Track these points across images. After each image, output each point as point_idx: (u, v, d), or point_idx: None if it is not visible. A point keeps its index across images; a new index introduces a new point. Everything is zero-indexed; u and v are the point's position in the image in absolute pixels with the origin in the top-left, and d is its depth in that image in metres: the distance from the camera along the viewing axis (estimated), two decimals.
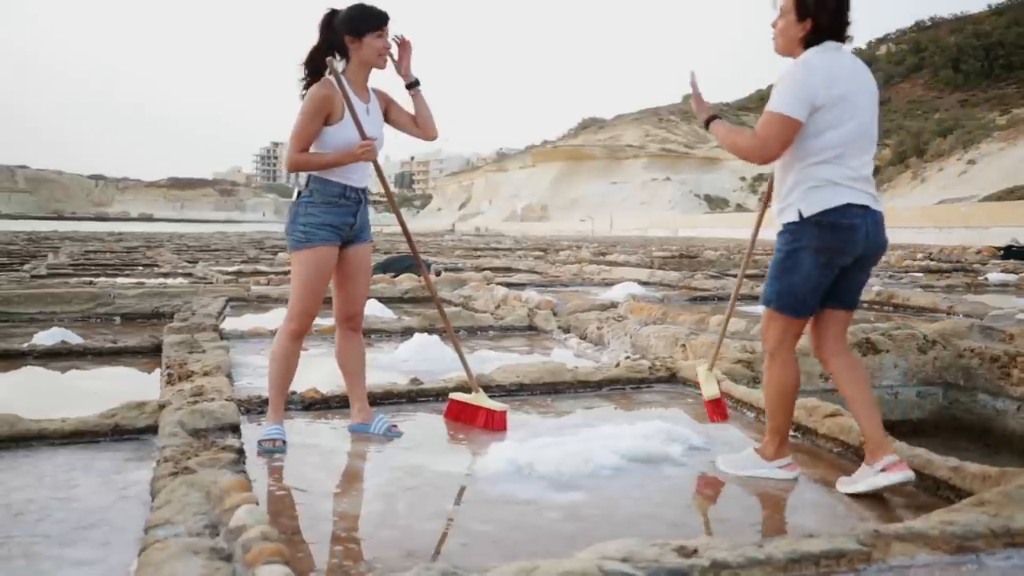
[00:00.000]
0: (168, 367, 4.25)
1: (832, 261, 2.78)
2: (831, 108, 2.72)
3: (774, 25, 2.88)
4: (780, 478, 2.93)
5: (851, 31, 2.81)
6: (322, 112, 3.16)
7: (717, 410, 3.44)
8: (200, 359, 4.38)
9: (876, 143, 2.89)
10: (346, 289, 3.42)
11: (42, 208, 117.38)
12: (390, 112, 3.42)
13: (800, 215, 2.77)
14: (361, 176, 3.29)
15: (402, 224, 3.59)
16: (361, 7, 3.21)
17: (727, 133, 2.92)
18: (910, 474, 2.73)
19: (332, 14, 3.23)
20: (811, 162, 2.76)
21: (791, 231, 2.81)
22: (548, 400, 4.16)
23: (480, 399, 3.62)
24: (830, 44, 2.78)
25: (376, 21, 3.20)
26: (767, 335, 2.96)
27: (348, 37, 3.19)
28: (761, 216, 3.30)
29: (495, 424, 3.54)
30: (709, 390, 3.40)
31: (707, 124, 2.99)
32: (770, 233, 2.99)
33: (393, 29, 3.25)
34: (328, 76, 3.19)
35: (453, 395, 3.73)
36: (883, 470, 2.73)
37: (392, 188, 3.66)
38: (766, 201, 3.18)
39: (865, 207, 2.76)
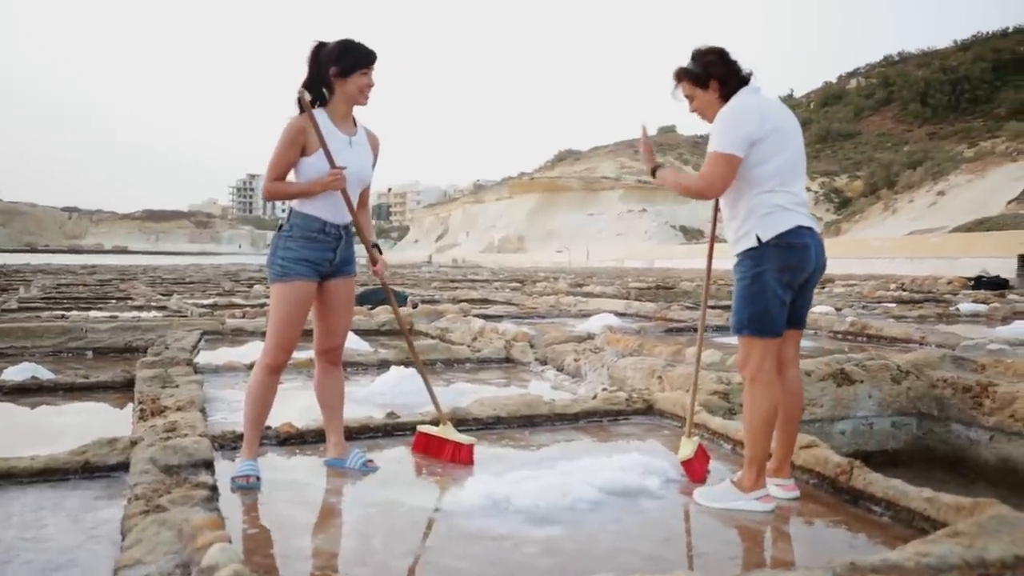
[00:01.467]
0: (140, 402, 4.20)
1: (792, 279, 2.97)
2: (767, 140, 2.93)
3: (693, 110, 3.14)
4: (757, 510, 2.94)
5: (748, 71, 3.06)
6: (296, 142, 3.17)
7: (689, 471, 3.38)
8: (173, 394, 4.33)
9: (806, 171, 3.12)
10: (327, 322, 3.40)
11: (14, 241, 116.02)
12: None
13: (759, 240, 2.93)
14: (340, 212, 3.28)
15: (371, 254, 3.46)
16: (349, 44, 3.22)
17: (675, 177, 3.15)
18: (796, 493, 3.09)
19: (320, 47, 3.24)
20: (758, 191, 2.94)
21: (751, 256, 2.96)
22: (525, 433, 4.14)
23: (447, 432, 3.60)
24: (745, 89, 3.04)
25: (363, 61, 3.22)
26: (747, 362, 3.01)
27: (334, 71, 3.20)
28: (711, 250, 3.44)
29: (462, 457, 3.52)
30: (681, 452, 3.38)
31: (653, 172, 3.21)
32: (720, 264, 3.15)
33: (379, 67, 3.27)
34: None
35: (420, 428, 3.71)
36: (778, 486, 3.07)
37: (371, 221, 3.62)
38: (712, 236, 3.39)
39: (811, 228, 2.99)
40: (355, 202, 3.31)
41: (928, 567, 2.04)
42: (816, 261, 3.01)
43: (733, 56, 3.08)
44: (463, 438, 3.58)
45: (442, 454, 3.57)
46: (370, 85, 3.25)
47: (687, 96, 3.13)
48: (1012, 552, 2.12)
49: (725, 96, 3.04)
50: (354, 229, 3.38)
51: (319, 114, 3.21)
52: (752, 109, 2.96)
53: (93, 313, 9.82)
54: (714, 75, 3.04)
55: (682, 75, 3.11)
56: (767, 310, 2.95)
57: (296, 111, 3.21)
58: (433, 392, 3.68)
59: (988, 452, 4.57)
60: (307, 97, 3.17)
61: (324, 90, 3.23)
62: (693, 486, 3.20)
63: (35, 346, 6.94)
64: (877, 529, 2.79)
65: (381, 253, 3.47)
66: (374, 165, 3.43)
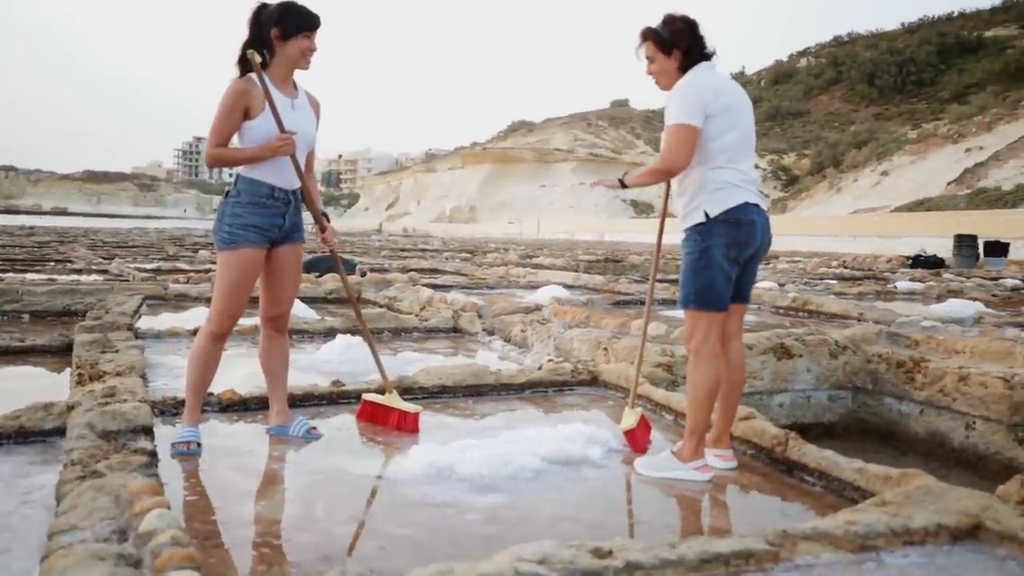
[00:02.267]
0: (78, 367, 4.11)
1: (739, 255, 3.02)
2: (720, 116, 2.97)
3: (649, 72, 3.14)
4: (695, 479, 3.00)
5: (712, 48, 3.09)
6: (238, 106, 3.10)
7: (631, 441, 3.43)
8: (113, 359, 4.25)
9: (755, 149, 3.17)
10: (273, 290, 3.36)
11: None
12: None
13: (707, 215, 2.98)
14: (289, 177, 3.23)
15: (319, 222, 3.39)
16: (291, 6, 3.15)
17: (640, 173, 3.14)
18: (734, 463, 3.17)
19: (262, 8, 3.17)
20: (708, 167, 2.99)
21: (699, 231, 3.01)
22: (470, 402, 4.16)
23: (393, 400, 3.61)
24: (704, 65, 3.07)
25: (306, 23, 3.15)
26: (692, 334, 3.06)
27: (275, 32, 3.13)
28: (662, 224, 3.46)
29: (407, 425, 3.53)
30: (624, 422, 3.44)
31: (623, 184, 3.18)
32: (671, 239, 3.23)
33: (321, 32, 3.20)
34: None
35: (366, 396, 3.71)
36: (717, 456, 3.15)
37: (319, 187, 3.56)
38: (663, 211, 3.44)
39: (757, 205, 3.04)
40: (302, 166, 3.26)
41: (856, 535, 2.12)
42: (761, 237, 3.07)
43: (702, 31, 3.08)
44: (408, 407, 3.59)
45: (387, 422, 3.57)
46: (312, 49, 3.19)
47: (648, 57, 3.12)
48: (935, 520, 2.20)
49: (684, 68, 3.05)
50: (302, 196, 3.33)
51: None
52: (706, 84, 2.99)
53: (30, 276, 9.56)
54: (679, 44, 3.04)
55: (649, 35, 3.09)
56: (713, 285, 3.00)
57: (236, 73, 3.15)
58: (379, 360, 3.68)
59: (918, 425, 4.73)
60: (258, 59, 3.11)
61: (265, 52, 3.16)
62: (635, 456, 3.25)
63: None
64: (810, 498, 2.87)
65: (329, 221, 3.43)
66: (317, 128, 3.38)
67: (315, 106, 3.38)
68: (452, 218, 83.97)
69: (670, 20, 3.07)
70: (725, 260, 2.99)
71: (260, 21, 3.14)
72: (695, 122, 2.93)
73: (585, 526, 2.57)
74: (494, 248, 26.69)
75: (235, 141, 3.19)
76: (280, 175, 3.19)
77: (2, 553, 2.17)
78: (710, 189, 2.98)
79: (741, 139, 3.04)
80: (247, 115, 3.12)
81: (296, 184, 3.26)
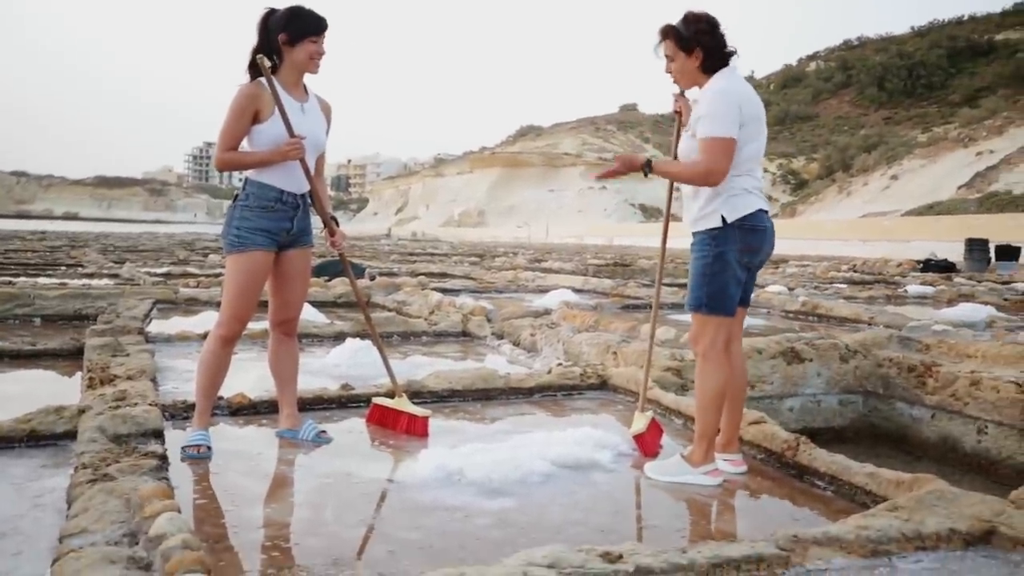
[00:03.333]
0: (89, 371, 4.13)
1: (751, 260, 3.04)
2: (748, 126, 2.95)
3: (668, 71, 3.09)
4: (705, 484, 2.99)
5: (732, 48, 3.04)
6: (248, 110, 3.11)
7: (641, 445, 3.41)
8: (124, 363, 4.26)
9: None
10: (282, 294, 3.37)
11: None
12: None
13: (724, 221, 2.96)
14: (298, 181, 3.23)
15: (328, 226, 3.41)
16: (298, 10, 3.17)
17: (674, 169, 3.07)
18: (744, 468, 3.16)
19: (270, 13, 3.18)
20: (731, 174, 2.94)
21: (714, 236, 2.99)
22: (480, 406, 4.16)
23: (402, 404, 3.61)
24: (729, 69, 3.01)
25: (313, 28, 3.17)
26: (700, 339, 3.05)
27: (283, 37, 3.15)
28: (666, 228, 3.51)
29: (416, 429, 3.53)
30: (634, 426, 3.42)
31: (647, 169, 3.05)
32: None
33: (329, 35, 3.21)
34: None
35: (375, 400, 3.72)
36: (726, 460, 3.14)
37: (328, 191, 3.57)
38: (667, 215, 3.46)
39: (767, 212, 3.06)
40: (311, 170, 3.26)
41: (868, 540, 2.11)
42: (770, 244, 3.09)
43: (722, 30, 3.02)
44: (418, 410, 3.59)
45: (397, 426, 3.57)
46: (320, 53, 3.20)
47: (668, 56, 3.05)
48: (948, 526, 2.19)
49: (705, 69, 3.00)
50: (311, 199, 3.33)
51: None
52: (740, 93, 2.96)
53: (42, 280, 9.62)
54: (701, 44, 2.98)
55: (669, 33, 3.03)
56: (725, 289, 2.99)
57: (246, 78, 3.16)
58: (389, 364, 3.68)
59: (930, 430, 4.70)
60: (267, 63, 3.11)
61: (274, 57, 3.17)
62: (644, 460, 3.24)
63: None
64: (820, 503, 2.86)
65: (338, 225, 3.43)
66: (327, 132, 3.39)
67: (325, 109, 3.39)
68: (461, 222, 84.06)
69: (692, 18, 3.00)
70: (738, 266, 3.00)
71: (268, 26, 3.16)
72: (734, 134, 2.90)
73: (595, 530, 2.56)
74: (503, 252, 26.70)
75: (244, 145, 3.20)
76: (289, 179, 3.20)
77: (13, 556, 2.18)
78: (728, 195, 2.96)
79: (760, 147, 3.05)
80: (256, 119, 3.13)
81: (305, 188, 3.26)
